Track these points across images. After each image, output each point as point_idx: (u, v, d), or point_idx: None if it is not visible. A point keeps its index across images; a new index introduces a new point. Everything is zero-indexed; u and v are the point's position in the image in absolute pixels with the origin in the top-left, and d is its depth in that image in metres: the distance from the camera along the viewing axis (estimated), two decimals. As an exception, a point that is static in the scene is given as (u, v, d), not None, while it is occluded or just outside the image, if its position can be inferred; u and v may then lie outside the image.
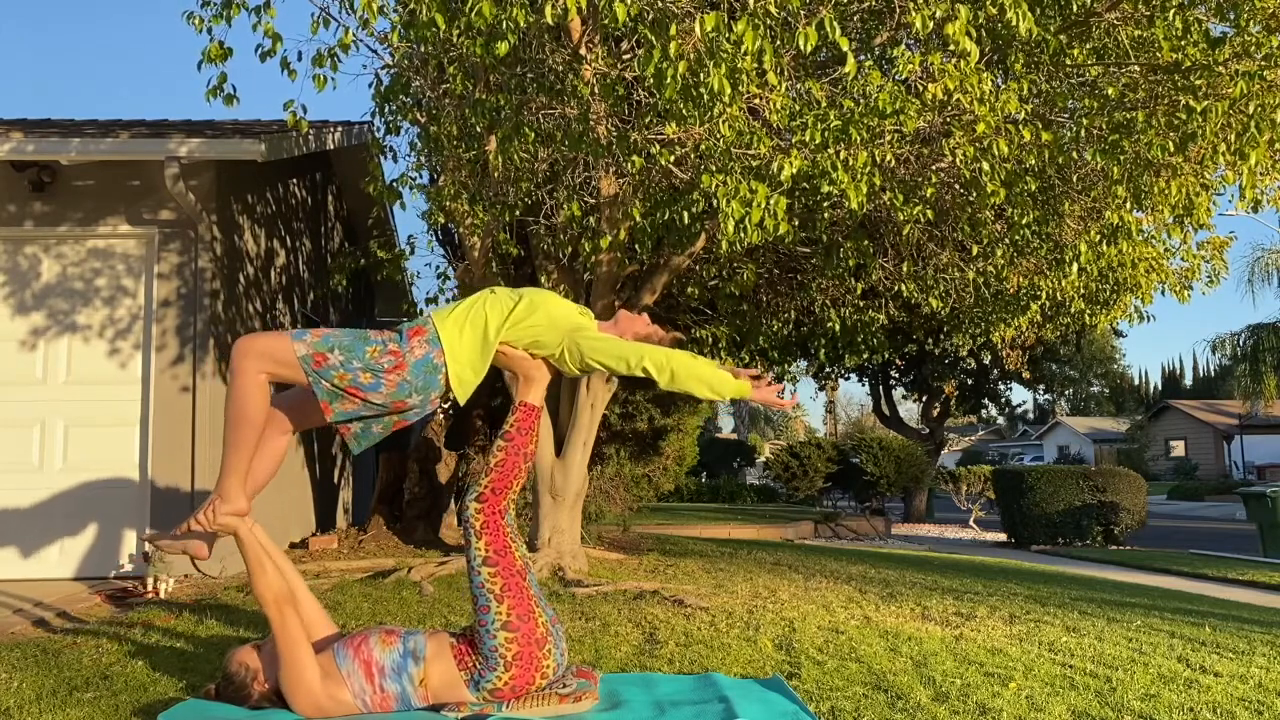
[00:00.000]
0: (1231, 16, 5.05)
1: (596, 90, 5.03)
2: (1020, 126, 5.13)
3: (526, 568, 3.16)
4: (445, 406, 12.46)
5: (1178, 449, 41.41)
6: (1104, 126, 5.30)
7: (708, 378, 3.19)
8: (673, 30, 4.20)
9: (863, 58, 5.89)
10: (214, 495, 3.20)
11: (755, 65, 4.27)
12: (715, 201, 4.63)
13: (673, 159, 5.09)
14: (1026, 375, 19.30)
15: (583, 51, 5.14)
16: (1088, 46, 5.66)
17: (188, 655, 3.94)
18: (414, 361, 3.12)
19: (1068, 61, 5.56)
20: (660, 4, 4.35)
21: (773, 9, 4.28)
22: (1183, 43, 5.04)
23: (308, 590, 3.41)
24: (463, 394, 3.21)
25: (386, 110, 6.11)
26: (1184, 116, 5.07)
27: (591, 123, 5.17)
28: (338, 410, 3.12)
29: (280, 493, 7.32)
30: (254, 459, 3.30)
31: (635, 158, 5.13)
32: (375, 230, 9.12)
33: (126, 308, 6.36)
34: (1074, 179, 6.28)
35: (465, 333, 3.20)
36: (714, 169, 4.71)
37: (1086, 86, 5.74)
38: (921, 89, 4.75)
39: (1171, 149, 5.17)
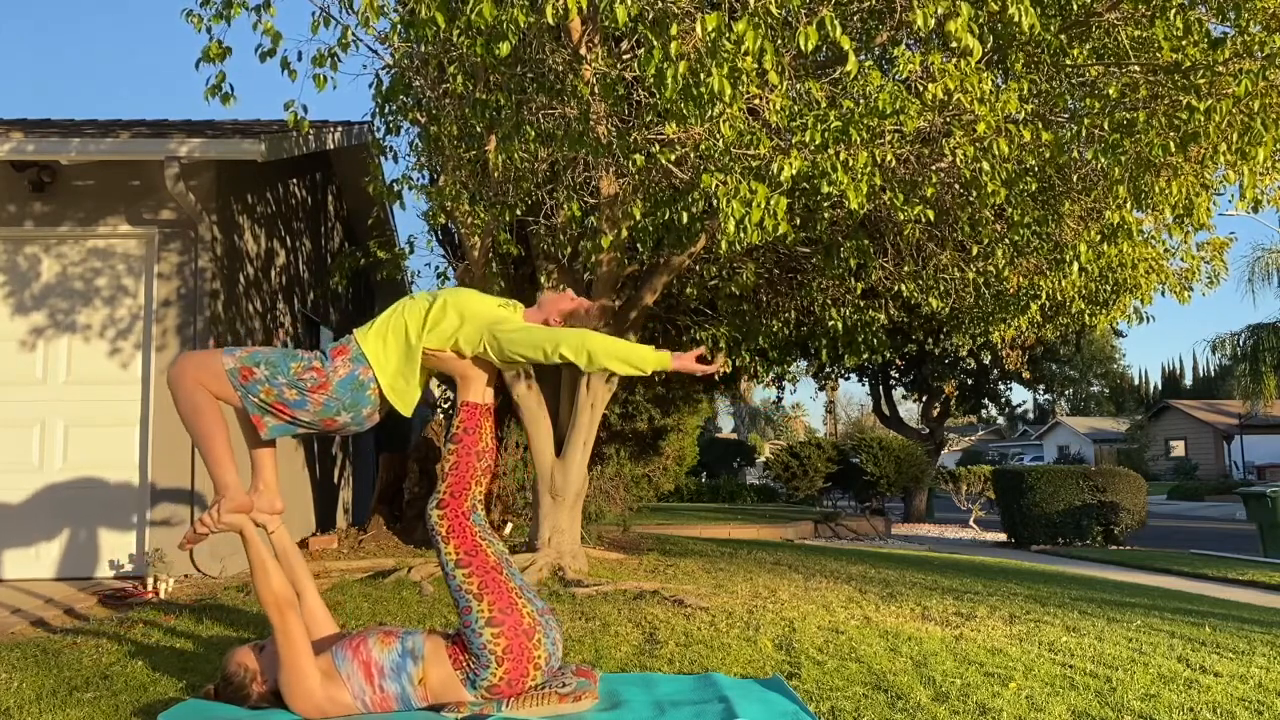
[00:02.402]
0: (1232, 16, 5.05)
1: (596, 90, 5.03)
2: (1020, 126, 5.12)
3: (502, 562, 3.17)
4: (445, 407, 12.47)
5: (1178, 449, 41.41)
6: (1104, 126, 5.29)
7: (625, 354, 3.14)
8: (673, 30, 4.19)
9: (863, 57, 5.88)
10: (216, 495, 3.21)
11: (755, 65, 4.26)
12: (715, 201, 4.62)
13: (673, 159, 5.08)
14: (1026, 375, 19.28)
15: (583, 51, 5.14)
16: (1088, 46, 5.66)
17: (188, 655, 3.94)
18: (338, 380, 3.15)
19: (1068, 61, 5.55)
20: (661, 4, 4.35)
21: (774, 9, 4.27)
22: (1183, 43, 5.03)
23: (315, 588, 3.42)
24: (402, 404, 3.24)
25: (386, 110, 6.11)
26: (1185, 116, 5.07)
27: (591, 123, 5.17)
28: (270, 425, 3.19)
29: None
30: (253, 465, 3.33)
31: (636, 156, 5.12)
32: (375, 230, 9.12)
33: (127, 308, 6.36)
34: (1074, 179, 6.27)
35: (389, 342, 3.22)
36: (714, 169, 4.71)
37: (1087, 86, 5.73)
38: (921, 89, 4.75)
39: (1172, 149, 5.16)
